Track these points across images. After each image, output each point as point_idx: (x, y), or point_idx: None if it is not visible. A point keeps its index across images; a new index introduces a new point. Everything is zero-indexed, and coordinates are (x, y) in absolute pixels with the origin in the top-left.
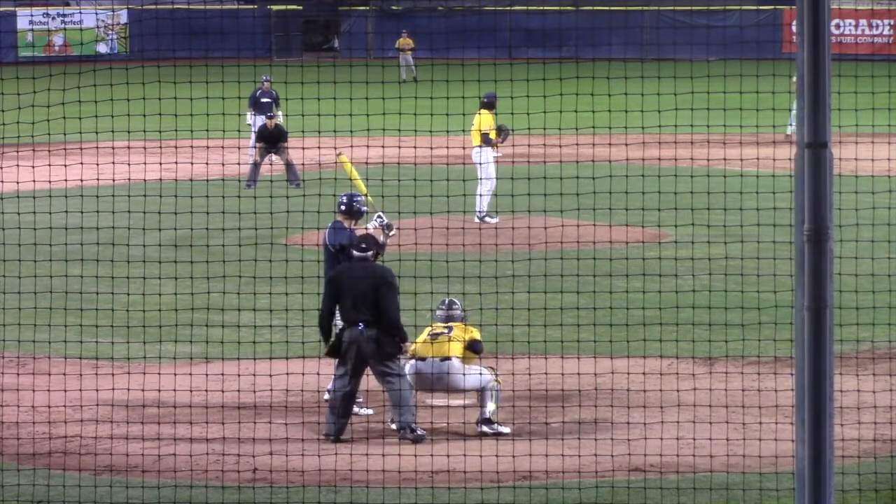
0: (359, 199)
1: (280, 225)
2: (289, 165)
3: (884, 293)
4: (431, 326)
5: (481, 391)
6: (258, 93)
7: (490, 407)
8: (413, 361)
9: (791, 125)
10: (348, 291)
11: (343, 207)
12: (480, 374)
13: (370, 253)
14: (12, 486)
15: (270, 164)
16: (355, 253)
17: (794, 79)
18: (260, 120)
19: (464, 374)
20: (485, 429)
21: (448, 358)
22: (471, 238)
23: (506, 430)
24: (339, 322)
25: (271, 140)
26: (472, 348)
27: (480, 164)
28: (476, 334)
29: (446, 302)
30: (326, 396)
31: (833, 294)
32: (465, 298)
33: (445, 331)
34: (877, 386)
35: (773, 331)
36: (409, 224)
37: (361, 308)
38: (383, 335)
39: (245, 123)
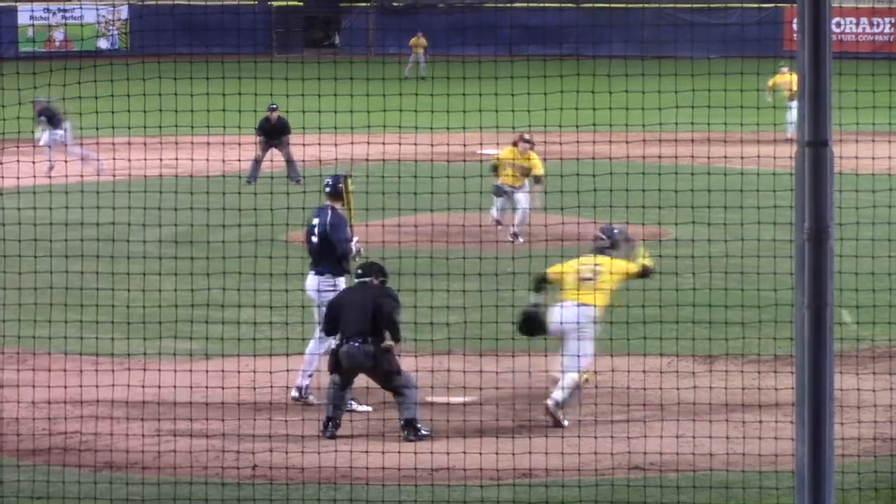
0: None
1: (280, 221)
2: (289, 162)
3: (884, 291)
4: (582, 260)
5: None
6: (264, 122)
7: (560, 394)
8: (563, 302)
9: (791, 123)
10: (348, 308)
11: (329, 189)
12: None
13: (369, 279)
14: (12, 482)
15: (271, 161)
16: (356, 280)
17: (791, 77)
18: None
19: (586, 339)
20: (550, 403)
21: (587, 305)
22: (472, 236)
23: (565, 422)
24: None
25: (272, 134)
26: (643, 275)
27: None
28: (646, 260)
29: (605, 229)
30: (294, 394)
31: (833, 292)
32: (465, 296)
33: (593, 272)
34: (877, 384)
35: (773, 329)
36: (410, 221)
37: (359, 323)
38: (379, 349)
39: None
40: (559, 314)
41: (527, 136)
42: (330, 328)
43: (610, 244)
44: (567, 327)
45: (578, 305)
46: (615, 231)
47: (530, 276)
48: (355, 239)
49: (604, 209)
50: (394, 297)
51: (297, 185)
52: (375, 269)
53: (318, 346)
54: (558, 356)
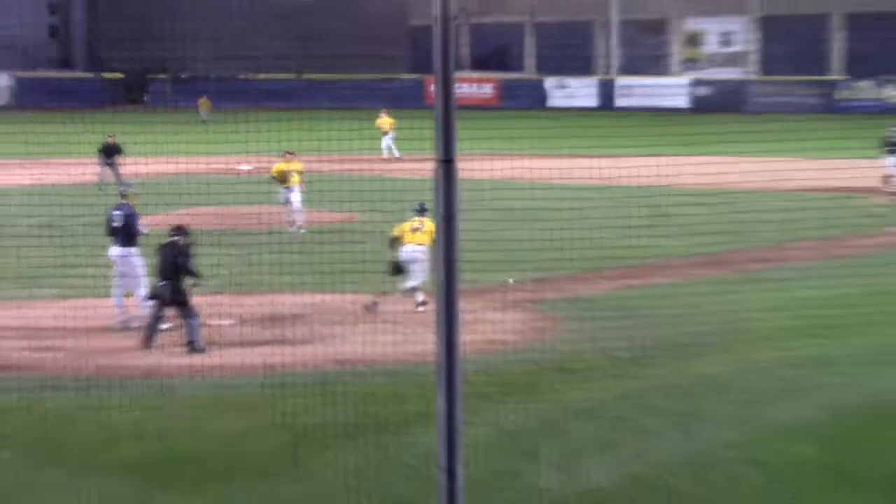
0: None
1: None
2: (118, 174)
3: (498, 252)
4: (411, 221)
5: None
6: (105, 145)
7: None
8: (405, 246)
9: (384, 148)
10: (161, 260)
11: (132, 190)
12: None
13: (177, 238)
14: None
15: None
16: (170, 238)
17: (380, 118)
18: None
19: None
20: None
21: (421, 245)
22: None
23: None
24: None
25: (108, 153)
26: None
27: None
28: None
29: (418, 203)
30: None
31: (458, 252)
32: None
33: (420, 224)
34: (484, 308)
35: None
36: (186, 211)
37: (166, 269)
38: (178, 287)
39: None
40: (406, 253)
41: (290, 151)
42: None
43: (421, 209)
44: (412, 259)
45: (416, 245)
46: (425, 203)
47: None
48: (143, 222)
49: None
50: (188, 251)
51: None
52: (180, 231)
53: (118, 292)
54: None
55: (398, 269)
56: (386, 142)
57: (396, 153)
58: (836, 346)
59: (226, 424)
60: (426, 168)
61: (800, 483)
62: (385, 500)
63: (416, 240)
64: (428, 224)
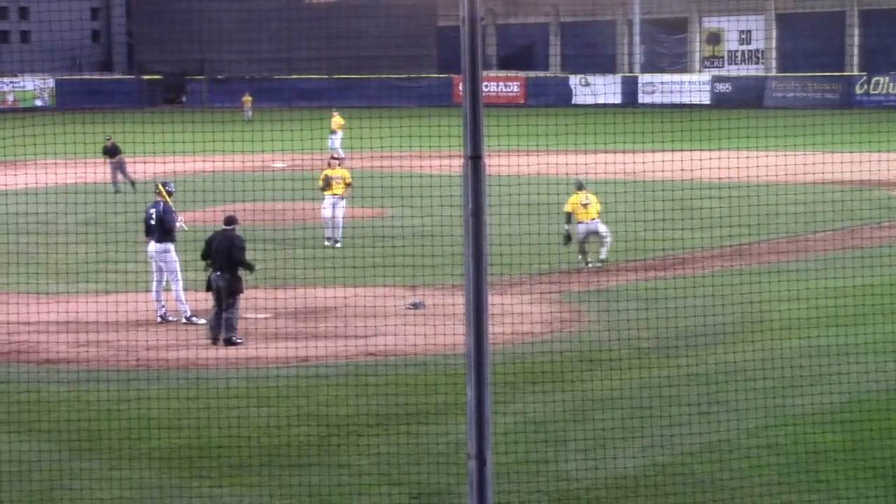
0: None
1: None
2: (121, 173)
3: (523, 245)
4: (577, 195)
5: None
6: (104, 148)
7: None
8: (580, 224)
9: (331, 148)
10: (215, 249)
11: (170, 188)
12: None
13: (230, 228)
14: None
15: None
16: (223, 226)
17: (338, 119)
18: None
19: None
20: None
21: (595, 218)
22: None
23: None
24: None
25: (111, 153)
26: None
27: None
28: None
29: (576, 180)
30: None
31: (487, 247)
32: (265, 252)
33: (586, 199)
34: (513, 301)
35: (452, 268)
36: (223, 208)
37: (219, 260)
38: (233, 277)
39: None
40: (585, 227)
41: (335, 156)
42: (204, 254)
43: (579, 185)
44: (592, 230)
45: (590, 220)
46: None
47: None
48: (180, 218)
49: None
50: (242, 243)
51: (130, 188)
52: (233, 219)
53: (157, 287)
54: None
55: (569, 238)
56: (334, 141)
57: (341, 153)
58: (856, 335)
59: (261, 414)
60: (455, 164)
61: (821, 470)
62: (416, 488)
63: (590, 215)
64: (592, 197)
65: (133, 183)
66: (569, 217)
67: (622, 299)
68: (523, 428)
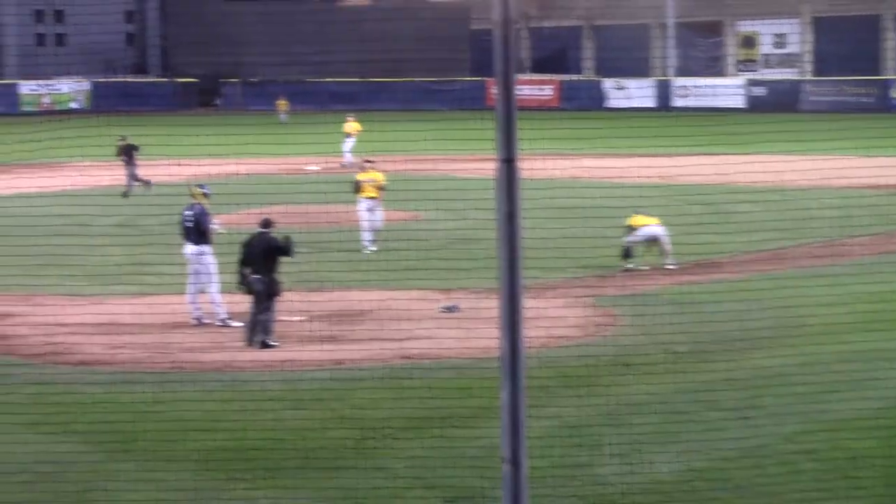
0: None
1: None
2: (133, 176)
3: (557, 249)
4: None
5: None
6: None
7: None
8: (640, 229)
9: (345, 152)
10: (251, 253)
11: (206, 191)
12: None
13: (266, 231)
14: (21, 374)
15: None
16: (259, 229)
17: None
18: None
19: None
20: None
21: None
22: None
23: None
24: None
25: (128, 154)
26: None
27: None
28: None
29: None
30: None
31: (521, 247)
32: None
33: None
34: (548, 304)
35: (487, 272)
36: (257, 210)
37: (257, 263)
38: (271, 280)
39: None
40: (645, 231)
41: (368, 159)
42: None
43: None
44: (653, 235)
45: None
46: None
47: None
48: (216, 221)
49: None
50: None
51: (147, 188)
52: (267, 223)
53: (193, 289)
54: None
55: (628, 253)
56: (346, 145)
57: (351, 158)
58: (894, 340)
59: (296, 417)
60: (488, 168)
61: (859, 476)
62: (451, 492)
63: (649, 220)
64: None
65: (133, 184)
66: (629, 230)
67: (657, 303)
68: (558, 432)
